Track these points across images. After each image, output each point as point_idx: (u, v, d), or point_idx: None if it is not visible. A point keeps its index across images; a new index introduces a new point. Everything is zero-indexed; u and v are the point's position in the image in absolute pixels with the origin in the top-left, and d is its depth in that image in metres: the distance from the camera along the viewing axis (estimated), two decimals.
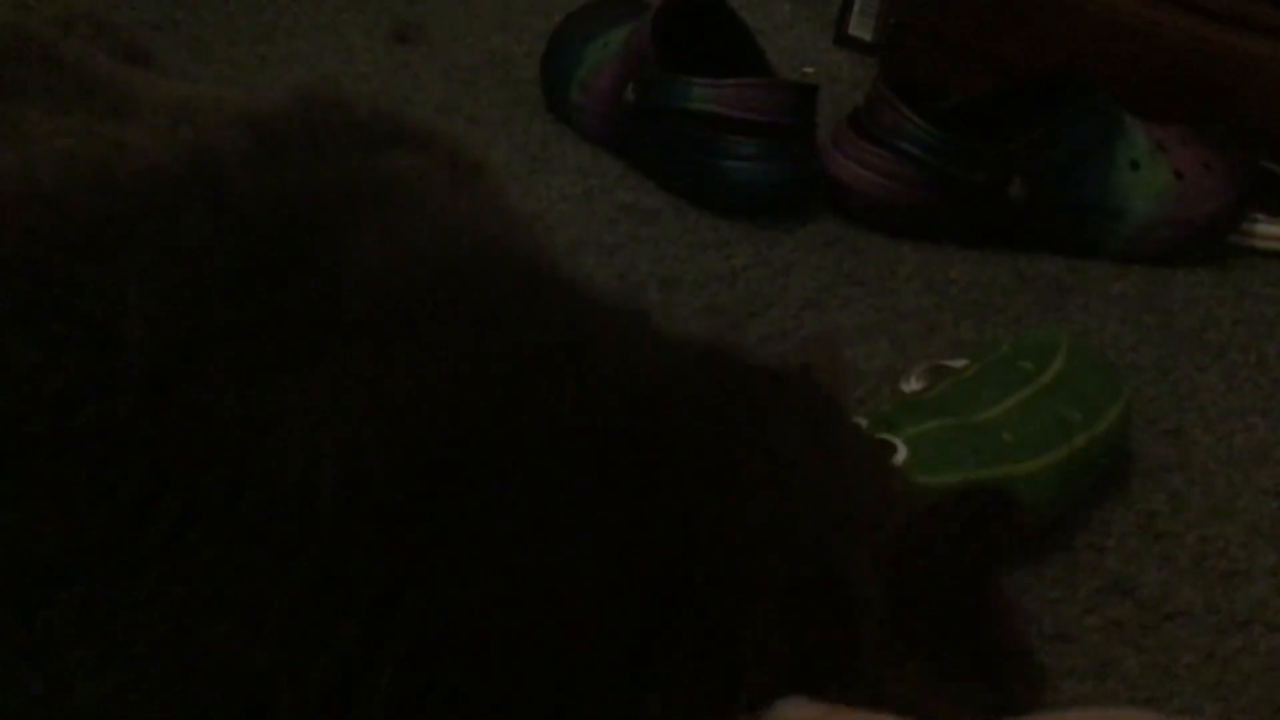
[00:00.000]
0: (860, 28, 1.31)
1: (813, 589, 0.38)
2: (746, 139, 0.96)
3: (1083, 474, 0.72)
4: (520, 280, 0.41)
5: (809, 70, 1.23)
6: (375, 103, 0.46)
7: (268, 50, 1.12)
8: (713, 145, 0.97)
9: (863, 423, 0.68)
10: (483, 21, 1.25)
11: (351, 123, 0.45)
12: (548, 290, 0.41)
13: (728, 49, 1.03)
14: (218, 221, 0.39)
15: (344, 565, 0.35)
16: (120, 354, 0.36)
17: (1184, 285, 0.99)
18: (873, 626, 0.39)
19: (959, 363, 0.78)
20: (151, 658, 0.35)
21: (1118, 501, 0.75)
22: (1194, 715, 0.60)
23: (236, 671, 0.35)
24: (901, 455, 0.67)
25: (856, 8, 1.30)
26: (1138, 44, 1.08)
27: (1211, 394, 0.87)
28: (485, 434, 0.37)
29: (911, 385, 0.78)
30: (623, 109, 1.02)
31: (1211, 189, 1.00)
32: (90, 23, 0.55)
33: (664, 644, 0.36)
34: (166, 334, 0.37)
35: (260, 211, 0.39)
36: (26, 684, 0.35)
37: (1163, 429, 0.82)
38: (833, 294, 0.91)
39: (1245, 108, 1.06)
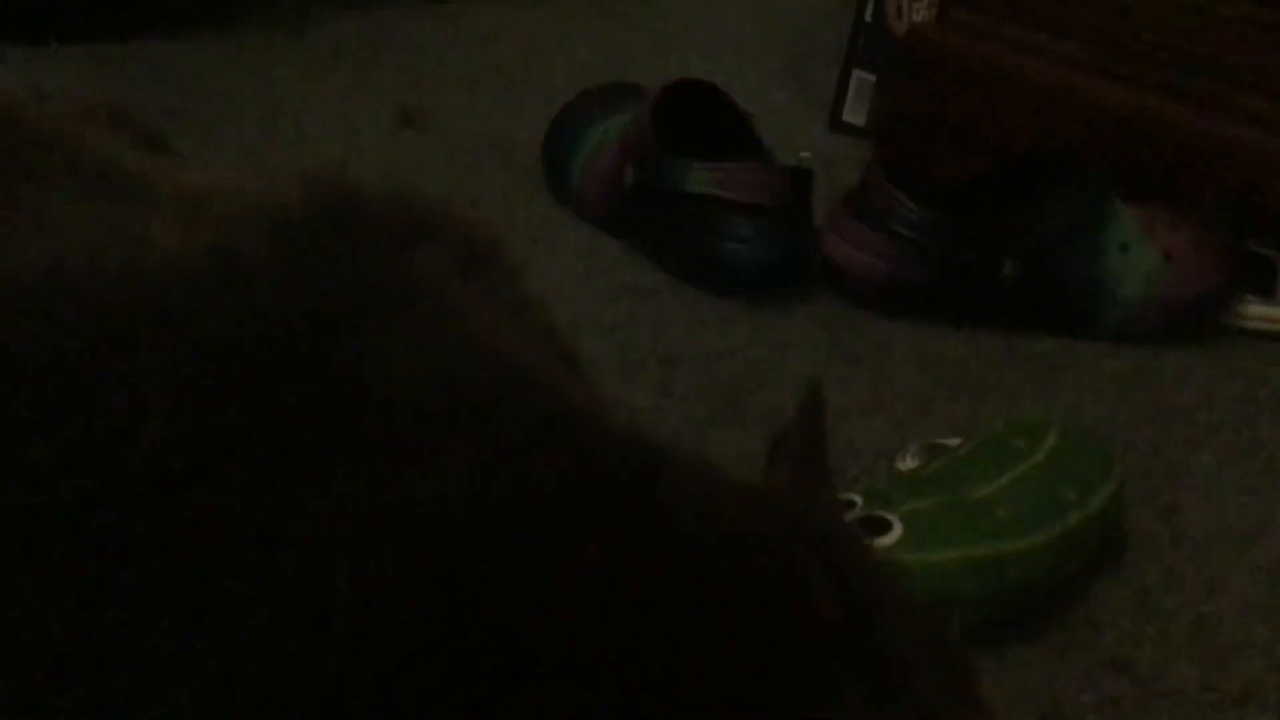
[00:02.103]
0: (854, 114, 1.34)
1: None
2: (744, 220, 0.98)
3: (1077, 551, 0.73)
4: (539, 410, 0.40)
5: (805, 154, 1.25)
6: (386, 188, 0.47)
7: (275, 133, 1.15)
8: (711, 226, 0.99)
9: (857, 499, 0.69)
10: (486, 106, 1.28)
11: (371, 217, 0.44)
12: (567, 425, 0.40)
13: (725, 133, 1.06)
14: (241, 323, 0.39)
15: (351, 696, 0.34)
16: (137, 457, 0.36)
17: (1176, 364, 1.00)
18: None
19: (953, 441, 0.79)
20: None
21: (1112, 578, 0.76)
22: None
23: None
24: (896, 532, 0.67)
25: (851, 94, 1.34)
26: (1126, 128, 1.11)
27: (1204, 472, 0.87)
28: (504, 576, 0.36)
29: (907, 463, 0.79)
30: (622, 191, 1.04)
31: (1200, 271, 1.02)
32: (110, 111, 0.56)
33: None
34: (185, 437, 0.36)
35: (283, 314, 0.39)
36: None
37: (1156, 507, 0.83)
38: (829, 372, 0.92)
39: (1233, 191, 1.08)
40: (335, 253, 0.42)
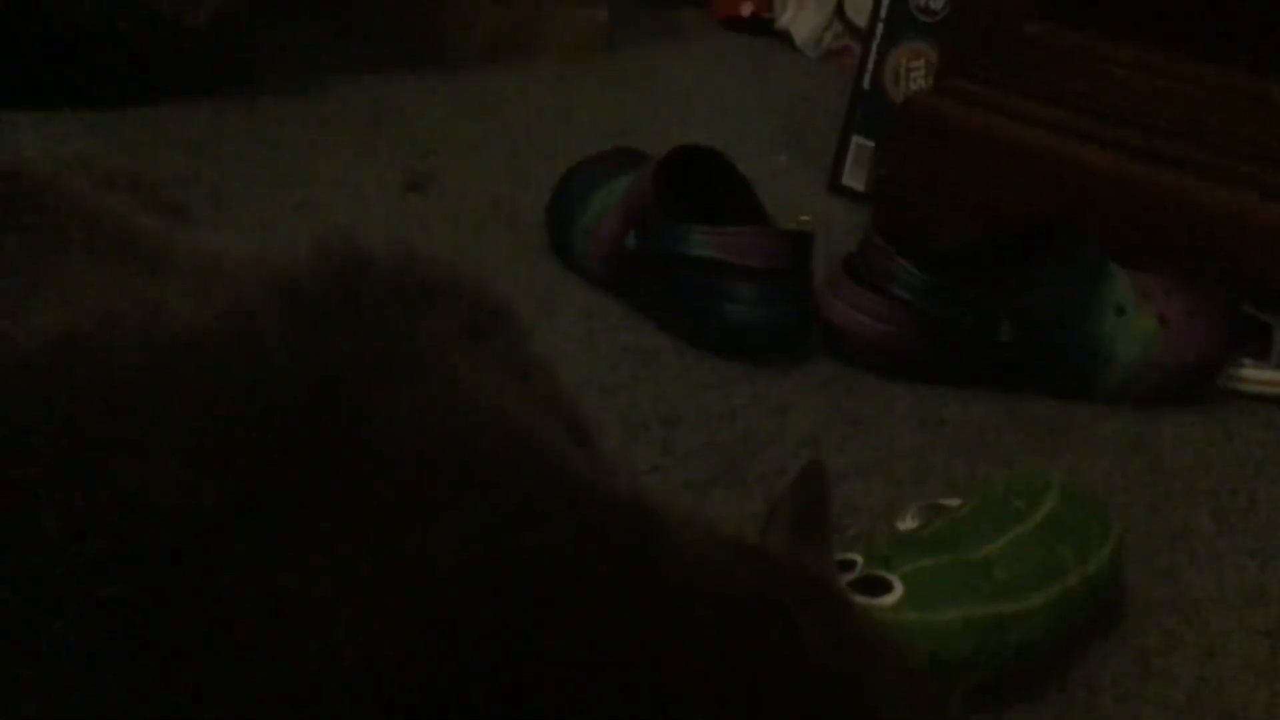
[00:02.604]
0: (853, 178, 1.36)
1: None
2: (745, 283, 1.00)
3: (1076, 612, 0.73)
4: (542, 477, 0.41)
5: (805, 218, 1.27)
6: (395, 252, 0.48)
7: (284, 197, 1.17)
8: (712, 289, 1.00)
9: (858, 559, 0.69)
10: (491, 171, 1.29)
11: (380, 282, 0.45)
12: (567, 492, 0.41)
13: (726, 198, 1.07)
14: (251, 390, 0.40)
15: None
16: (146, 523, 0.37)
17: (1173, 427, 1.01)
18: None
19: (953, 501, 0.80)
20: None
21: (1112, 640, 0.76)
22: None
23: None
24: (897, 592, 0.68)
25: (849, 159, 1.36)
26: (1121, 195, 1.13)
27: (1202, 534, 0.88)
28: (504, 639, 0.37)
29: (907, 523, 0.79)
30: (625, 254, 1.05)
31: (1196, 335, 1.03)
32: (128, 179, 0.57)
33: None
34: (192, 502, 0.37)
35: (293, 381, 0.40)
36: None
37: (1155, 569, 0.83)
38: (829, 433, 0.93)
39: (1227, 256, 1.10)
40: (345, 319, 0.43)
